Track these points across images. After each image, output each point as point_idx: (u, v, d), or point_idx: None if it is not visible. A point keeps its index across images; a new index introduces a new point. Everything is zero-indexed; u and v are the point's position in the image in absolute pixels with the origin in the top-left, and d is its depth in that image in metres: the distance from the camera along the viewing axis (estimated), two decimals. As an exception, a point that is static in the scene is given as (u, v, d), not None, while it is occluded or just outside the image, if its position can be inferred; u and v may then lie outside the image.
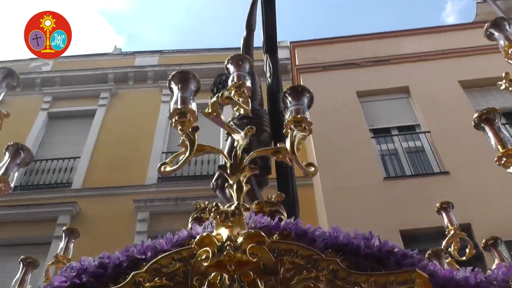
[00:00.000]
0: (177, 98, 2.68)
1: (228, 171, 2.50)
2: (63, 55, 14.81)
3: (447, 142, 10.75)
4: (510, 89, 3.30)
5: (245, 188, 2.42)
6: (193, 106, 2.69)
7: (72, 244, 3.96)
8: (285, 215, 2.37)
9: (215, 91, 4.54)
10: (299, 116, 2.67)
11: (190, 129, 2.53)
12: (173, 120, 2.58)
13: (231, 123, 3.85)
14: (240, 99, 2.93)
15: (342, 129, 11.53)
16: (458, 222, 4.05)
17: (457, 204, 4.18)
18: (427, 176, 10.67)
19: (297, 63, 13.67)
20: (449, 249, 4.03)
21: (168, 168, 2.51)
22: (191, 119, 2.59)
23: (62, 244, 3.86)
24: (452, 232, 4.07)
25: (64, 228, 3.95)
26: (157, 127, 13.33)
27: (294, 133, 2.56)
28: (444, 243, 4.06)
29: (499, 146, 3.09)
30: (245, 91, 2.97)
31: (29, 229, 11.12)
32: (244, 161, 2.52)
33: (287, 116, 2.70)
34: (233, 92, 2.96)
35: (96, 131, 13.20)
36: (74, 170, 12.61)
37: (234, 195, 2.43)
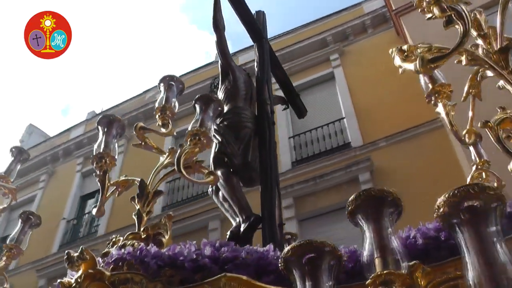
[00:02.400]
0: (101, 141, 3.00)
1: (136, 200, 2.74)
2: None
3: None
4: None
5: (145, 218, 2.64)
6: (114, 148, 3.00)
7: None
8: (167, 236, 2.53)
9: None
10: (195, 129, 2.79)
11: (101, 173, 2.82)
12: (94, 165, 2.91)
13: (214, 127, 3.98)
14: (162, 122, 3.13)
15: (457, 58, 10.57)
16: None
17: None
18: None
19: (393, 8, 12.88)
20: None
21: (95, 210, 2.85)
22: (108, 161, 2.89)
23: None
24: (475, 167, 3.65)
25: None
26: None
27: (184, 148, 2.69)
28: (468, 180, 3.68)
29: (429, 84, 2.84)
30: (169, 113, 3.17)
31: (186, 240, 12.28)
32: (151, 190, 2.74)
33: (190, 127, 2.83)
34: (157, 115, 3.18)
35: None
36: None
37: (136, 222, 2.68)
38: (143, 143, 3.12)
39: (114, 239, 2.58)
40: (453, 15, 2.03)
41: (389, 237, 1.74)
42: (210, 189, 4.01)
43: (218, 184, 3.82)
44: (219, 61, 4.57)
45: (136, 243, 2.44)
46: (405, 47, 2.18)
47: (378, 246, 1.74)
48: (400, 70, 2.21)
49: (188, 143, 2.76)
